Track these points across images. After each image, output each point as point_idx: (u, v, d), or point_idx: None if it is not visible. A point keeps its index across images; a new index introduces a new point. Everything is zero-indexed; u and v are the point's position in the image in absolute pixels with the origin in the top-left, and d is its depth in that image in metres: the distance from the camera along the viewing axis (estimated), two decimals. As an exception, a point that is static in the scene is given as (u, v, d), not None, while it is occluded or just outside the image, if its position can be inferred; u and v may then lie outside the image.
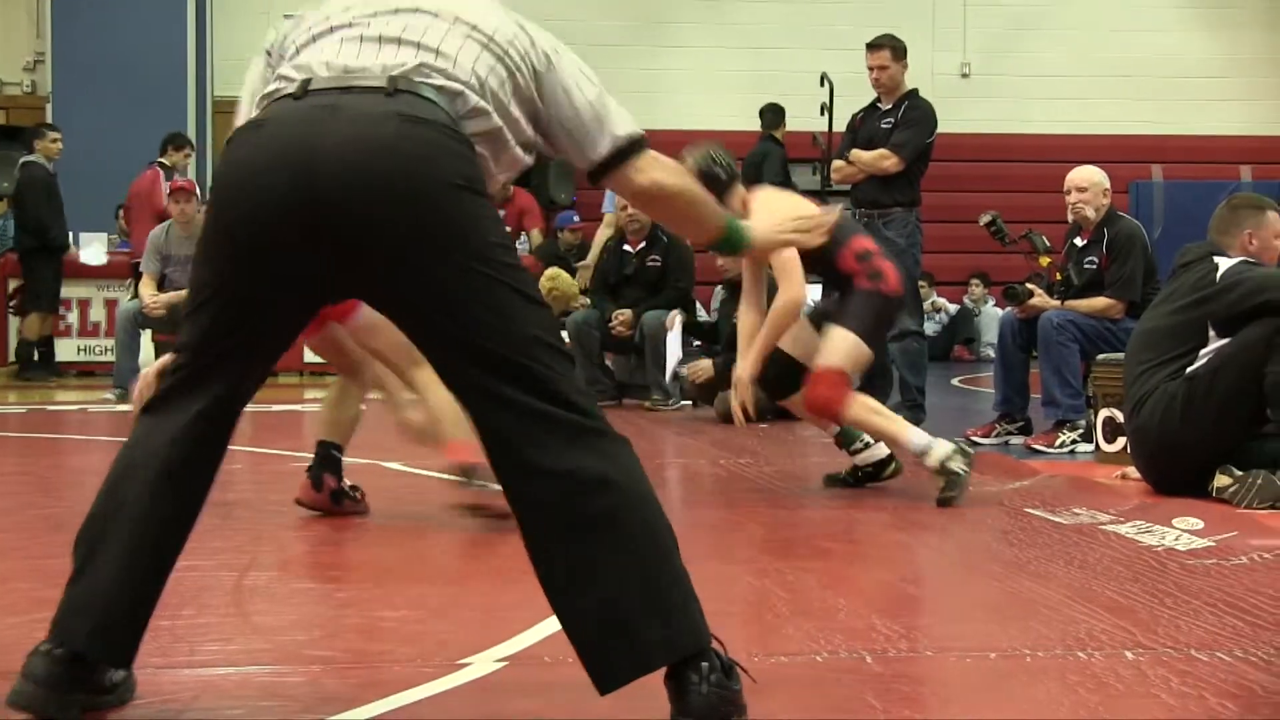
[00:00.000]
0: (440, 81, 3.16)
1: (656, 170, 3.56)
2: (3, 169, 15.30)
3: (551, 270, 12.46)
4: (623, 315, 11.17)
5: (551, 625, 3.93)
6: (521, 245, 14.58)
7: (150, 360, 12.48)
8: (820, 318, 6.97)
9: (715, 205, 3.89)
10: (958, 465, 6.59)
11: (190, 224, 11.98)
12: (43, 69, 17.13)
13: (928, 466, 6.64)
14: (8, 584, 5.27)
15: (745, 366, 6.84)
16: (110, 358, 13.31)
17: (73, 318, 15.02)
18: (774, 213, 6.25)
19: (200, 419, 3.25)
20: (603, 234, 12.99)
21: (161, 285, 11.80)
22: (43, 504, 7.15)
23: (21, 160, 13.93)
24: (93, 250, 14.31)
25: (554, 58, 3.40)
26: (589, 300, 12.03)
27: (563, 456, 3.04)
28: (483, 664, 3.78)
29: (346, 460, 6.44)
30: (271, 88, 3.24)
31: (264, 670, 3.88)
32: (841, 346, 6.68)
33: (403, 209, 3.00)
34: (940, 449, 6.61)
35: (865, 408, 6.78)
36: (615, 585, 3.03)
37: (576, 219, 14.95)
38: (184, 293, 11.44)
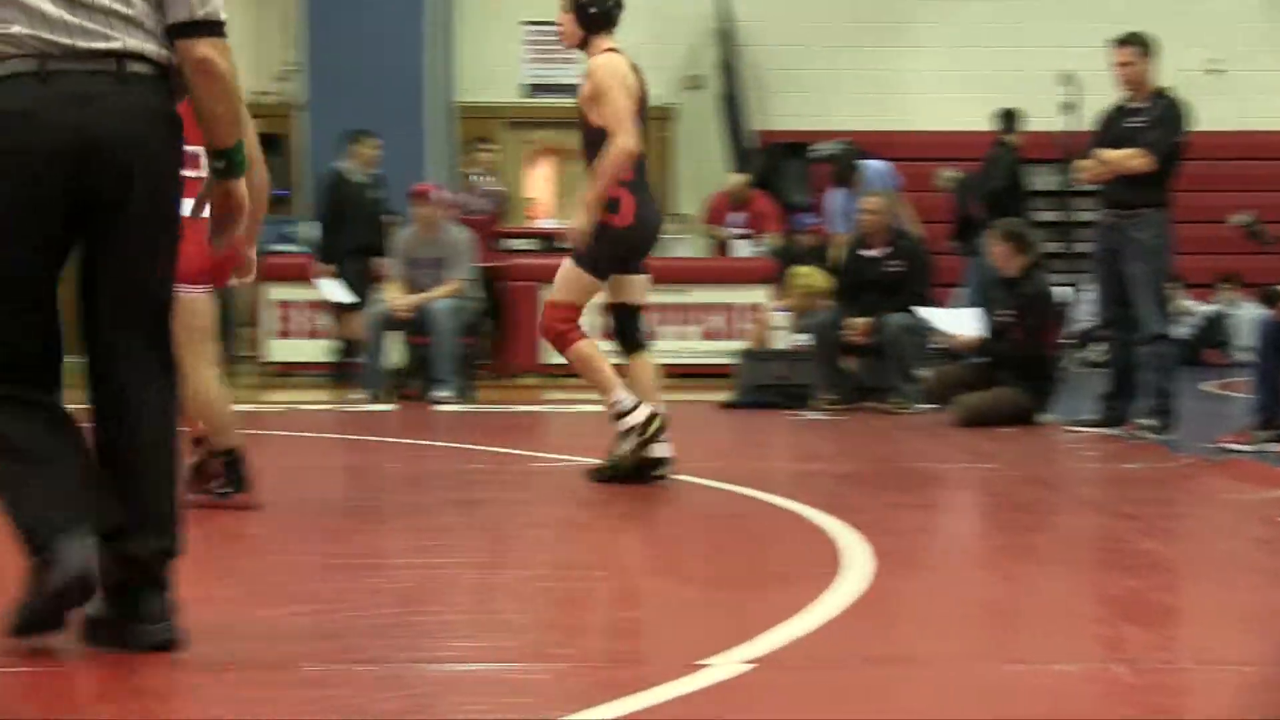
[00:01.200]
0: None
1: (219, 53, 3.78)
2: None
3: (805, 268, 12.43)
4: (859, 324, 11.03)
5: (797, 628, 3.95)
6: (760, 248, 14.67)
7: (397, 363, 12.98)
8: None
9: (243, 120, 4.16)
10: (631, 430, 7.10)
11: (432, 227, 12.14)
12: (294, 78, 17.44)
13: (616, 427, 7.15)
14: (256, 576, 5.44)
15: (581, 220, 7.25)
16: (360, 359, 13.23)
17: (323, 320, 14.88)
18: (603, 67, 7.26)
19: None
20: (842, 238, 12.92)
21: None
22: (293, 499, 7.23)
23: (332, 168, 13.82)
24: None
25: None
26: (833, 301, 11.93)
27: None
28: (727, 666, 3.73)
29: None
30: None
31: (508, 668, 3.90)
32: (562, 277, 7.26)
33: None
34: (638, 415, 7.13)
35: (586, 351, 7.28)
36: None
37: (814, 221, 14.76)
38: (429, 294, 11.64)
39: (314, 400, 13.09)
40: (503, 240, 14.79)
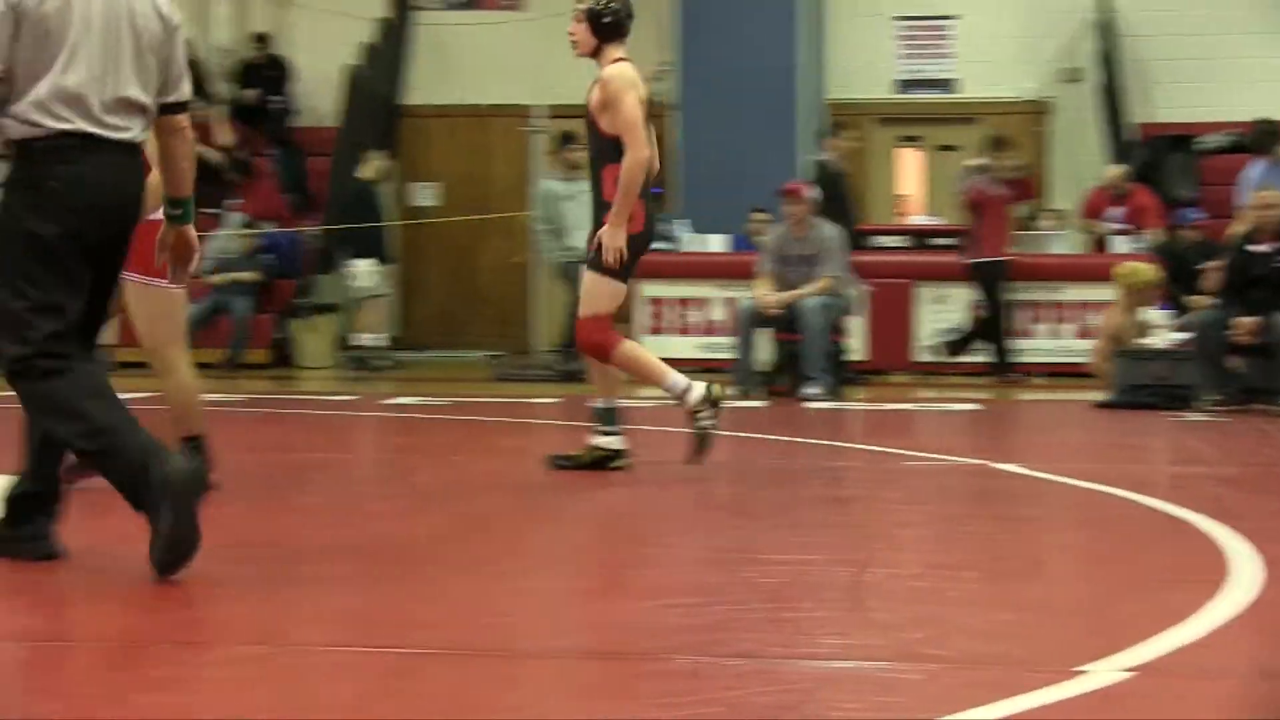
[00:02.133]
0: None
1: (188, 124, 5.12)
2: None
3: (1129, 265, 12.26)
4: (1247, 324, 10.72)
5: (1180, 637, 3.88)
6: (1139, 243, 14.26)
7: (768, 360, 13.05)
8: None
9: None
10: (705, 420, 7.48)
11: (803, 224, 12.20)
12: (667, 79, 17.40)
13: (685, 409, 7.50)
14: (630, 569, 5.61)
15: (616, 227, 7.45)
16: (731, 355, 13.41)
17: (695, 316, 15.24)
18: (616, 78, 7.45)
19: None
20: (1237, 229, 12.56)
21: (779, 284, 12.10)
22: (668, 493, 7.44)
23: (815, 159, 14.27)
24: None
25: None
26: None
27: None
28: (1106, 673, 3.63)
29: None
30: None
31: (880, 666, 3.86)
32: (589, 292, 7.60)
33: None
34: (695, 394, 7.48)
35: (630, 351, 7.69)
36: None
37: (1198, 216, 14.36)
38: (799, 291, 11.72)
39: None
40: (872, 237, 14.78)
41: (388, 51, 17.94)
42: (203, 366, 14.37)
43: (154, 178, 5.47)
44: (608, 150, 7.63)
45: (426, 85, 18.31)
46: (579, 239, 14.14)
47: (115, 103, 4.98)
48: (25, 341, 4.89)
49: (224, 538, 6.24)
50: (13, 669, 4.39)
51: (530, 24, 17.72)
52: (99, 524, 6.12)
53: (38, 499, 5.39)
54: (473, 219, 17.07)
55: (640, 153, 7.47)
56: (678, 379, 7.64)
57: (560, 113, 16.21)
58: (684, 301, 14.87)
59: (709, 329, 14.81)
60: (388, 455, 10.16)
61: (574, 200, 14.06)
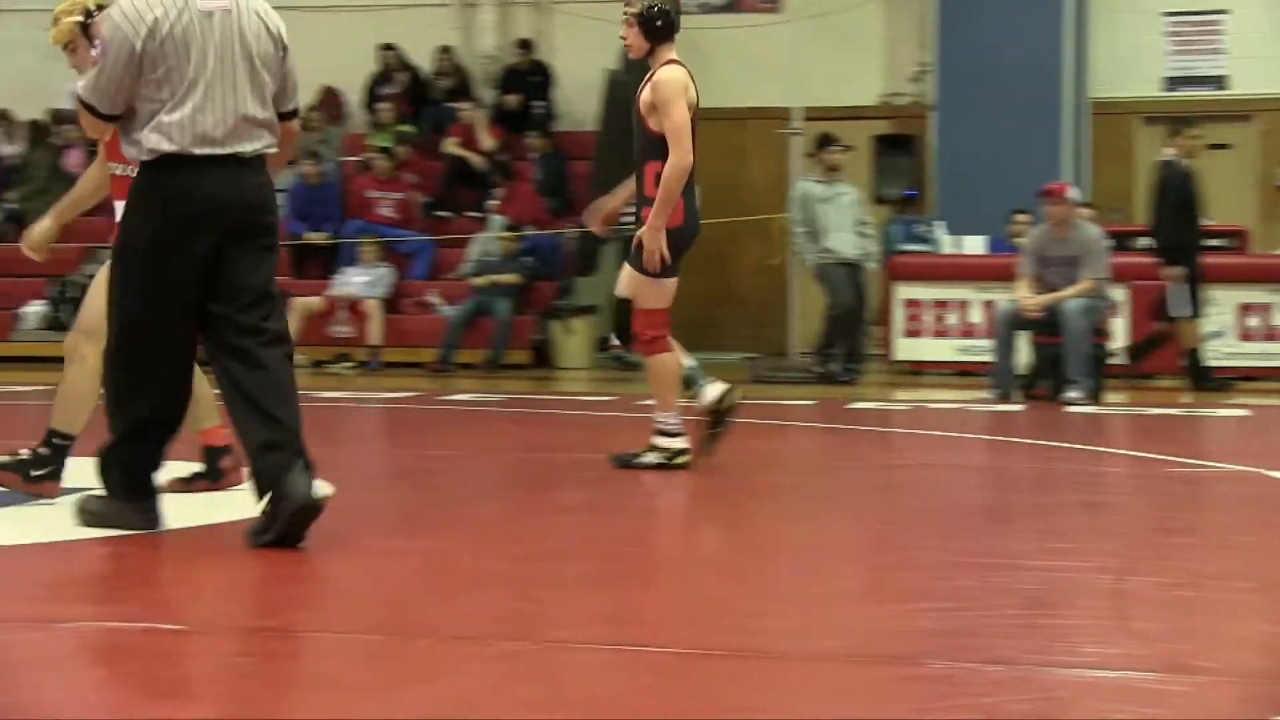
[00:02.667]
0: None
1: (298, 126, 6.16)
2: (893, 177, 16.37)
3: None
4: None
5: None
6: None
7: (1027, 363, 12.79)
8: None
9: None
10: (650, 457, 7.75)
11: (1064, 226, 12.08)
12: (927, 79, 17.59)
13: (653, 439, 7.79)
14: (884, 572, 5.60)
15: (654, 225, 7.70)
16: (989, 358, 13.33)
17: (952, 319, 15.12)
18: (669, 83, 7.66)
19: None
20: None
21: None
22: (921, 496, 7.50)
23: (1162, 159, 13.92)
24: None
25: None
26: None
27: None
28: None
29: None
30: None
31: (1145, 676, 3.77)
32: (641, 289, 7.76)
33: None
34: (673, 444, 7.80)
35: (669, 365, 7.88)
36: None
37: None
38: (1061, 294, 11.52)
39: (941, 399, 13.29)
40: (1138, 239, 14.40)
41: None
42: (464, 367, 14.67)
43: None
44: (652, 148, 7.84)
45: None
46: (836, 241, 14.46)
47: (236, 122, 5.62)
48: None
49: (478, 536, 6.56)
50: (279, 660, 4.50)
51: (787, 26, 17.72)
52: (354, 526, 6.36)
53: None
54: (730, 221, 16.75)
55: (685, 158, 7.73)
56: (676, 423, 7.92)
57: (817, 115, 16.61)
58: (941, 304, 14.82)
59: (966, 332, 14.78)
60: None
61: (831, 202, 14.44)
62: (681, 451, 7.95)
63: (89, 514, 6.13)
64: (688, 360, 8.34)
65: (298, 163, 16.79)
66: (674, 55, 8.02)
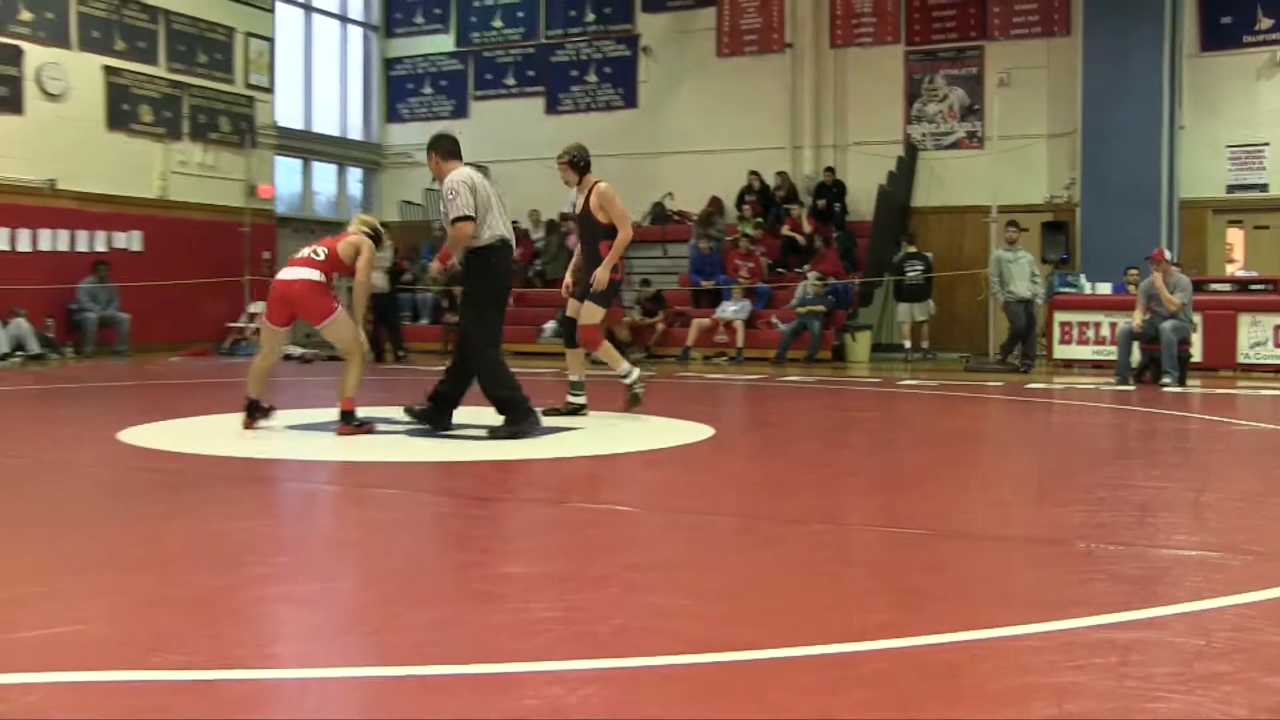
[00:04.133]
0: None
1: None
2: (1053, 247, 16.89)
3: None
4: None
5: None
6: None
7: (1137, 361, 12.82)
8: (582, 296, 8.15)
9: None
10: (637, 390, 8.08)
11: (1164, 275, 12.40)
12: (1075, 187, 17.53)
13: (624, 384, 8.04)
14: (1048, 486, 5.94)
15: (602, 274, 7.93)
16: (1113, 357, 13.29)
17: (1090, 333, 14.97)
18: (607, 190, 8.03)
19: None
20: None
21: None
22: None
23: None
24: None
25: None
26: None
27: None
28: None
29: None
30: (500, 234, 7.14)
31: (1212, 555, 3.82)
32: (588, 311, 8.06)
33: None
34: (633, 376, 8.13)
35: (607, 347, 8.21)
36: None
37: None
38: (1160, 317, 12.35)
39: (1083, 383, 12.82)
40: (1212, 284, 14.68)
41: (903, 175, 18.62)
42: (792, 361, 15.61)
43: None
44: (602, 233, 8.06)
45: (925, 195, 19.03)
46: (1017, 286, 14.68)
47: (506, 222, 7.10)
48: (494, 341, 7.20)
49: (801, 462, 6.84)
50: (675, 530, 5.03)
51: (989, 156, 17.96)
52: (724, 455, 6.87)
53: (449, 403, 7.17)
54: (952, 274, 17.50)
55: (628, 232, 8.06)
56: (628, 369, 8.28)
57: (1005, 209, 16.77)
58: (1083, 325, 15.13)
59: (1099, 341, 15.03)
60: (894, 413, 9.73)
61: (1014, 262, 14.84)
62: (634, 375, 8.22)
63: (511, 434, 6.96)
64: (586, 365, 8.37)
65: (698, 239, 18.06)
66: (597, 179, 8.24)
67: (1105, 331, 15.07)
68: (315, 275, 7.31)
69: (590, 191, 8.06)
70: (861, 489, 5.64)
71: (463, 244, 7.08)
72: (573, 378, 8.28)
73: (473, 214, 6.94)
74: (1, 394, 11.06)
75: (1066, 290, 15.69)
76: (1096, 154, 17.14)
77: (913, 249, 17.16)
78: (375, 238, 7.55)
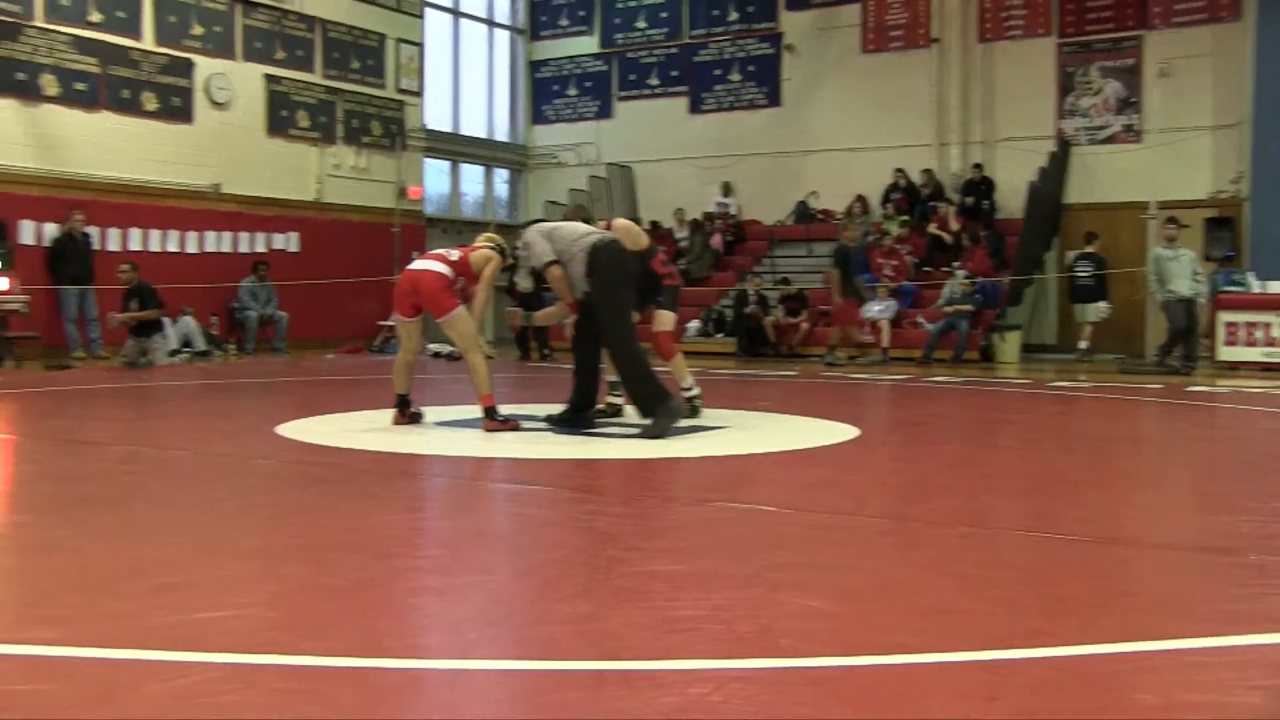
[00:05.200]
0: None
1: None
2: (1218, 244, 16.47)
3: None
4: None
5: None
6: None
7: None
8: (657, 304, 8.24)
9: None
10: (698, 403, 8.04)
11: None
12: (1243, 181, 17.28)
13: (683, 397, 7.88)
14: (1212, 494, 5.63)
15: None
16: None
17: (1259, 334, 14.67)
18: (627, 231, 8.05)
19: None
20: None
21: None
22: None
23: None
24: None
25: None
26: None
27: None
28: None
29: None
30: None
31: None
32: (664, 319, 8.21)
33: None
34: (696, 391, 8.14)
35: (679, 358, 8.25)
36: None
37: None
38: None
39: (1250, 386, 12.55)
40: None
41: (1054, 171, 18.34)
42: (938, 361, 15.49)
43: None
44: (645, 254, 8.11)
45: (1078, 191, 18.75)
46: (1177, 285, 14.39)
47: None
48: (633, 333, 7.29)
49: (946, 463, 6.55)
50: (830, 530, 4.99)
51: (1146, 149, 17.95)
52: (867, 454, 6.84)
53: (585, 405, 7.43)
54: (1105, 272, 16.67)
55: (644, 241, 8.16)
56: (691, 380, 8.31)
57: (1165, 205, 16.61)
58: (1251, 325, 14.78)
59: (1270, 342, 14.72)
60: (1044, 415, 9.60)
61: (1175, 261, 14.54)
62: (696, 398, 8.23)
63: (658, 430, 7.01)
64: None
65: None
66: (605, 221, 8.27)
67: (1276, 332, 14.81)
68: (445, 270, 7.58)
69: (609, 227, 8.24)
70: (1011, 491, 5.56)
71: (563, 287, 7.55)
72: (682, 384, 8.38)
73: (553, 257, 7.36)
74: (169, 389, 11.56)
75: (1232, 289, 15.33)
76: (1269, 145, 16.61)
77: (1090, 249, 16.72)
78: (501, 254, 7.86)
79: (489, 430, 7.38)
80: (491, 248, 7.83)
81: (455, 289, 7.61)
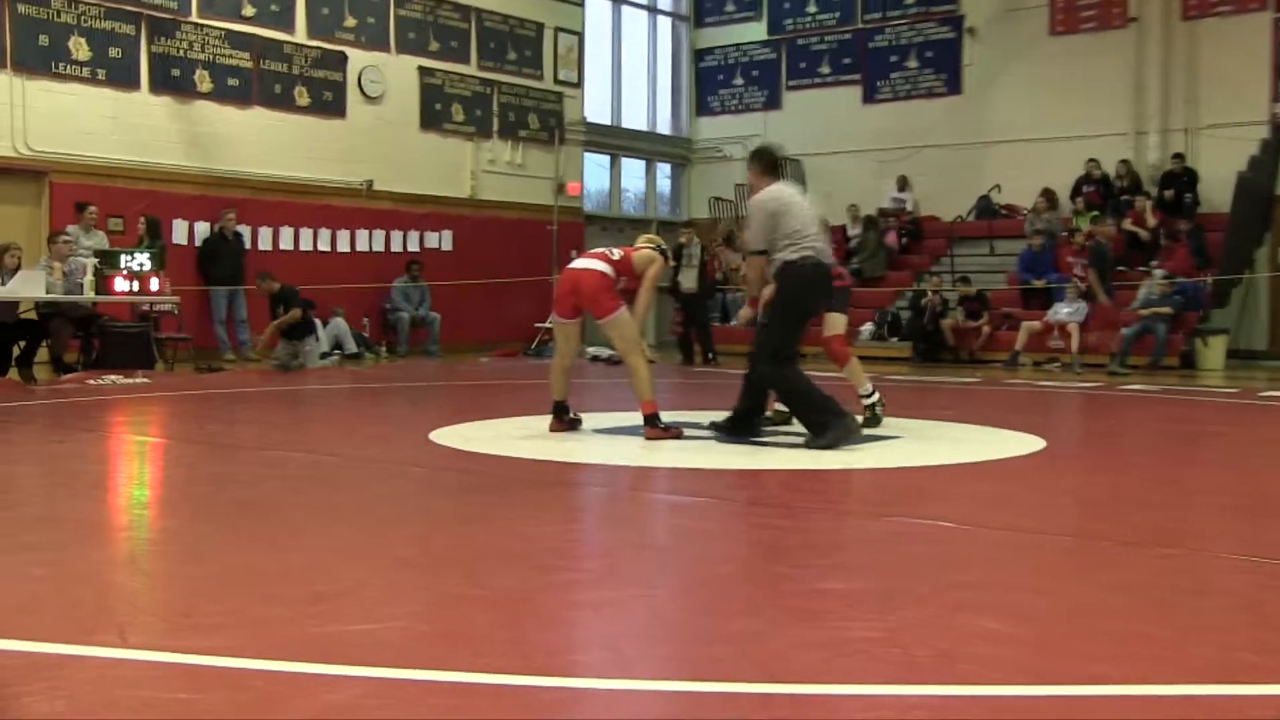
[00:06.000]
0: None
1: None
2: None
3: None
4: None
5: None
6: None
7: None
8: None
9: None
10: (878, 410, 7.93)
11: None
12: None
13: (862, 403, 7.86)
14: None
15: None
16: None
17: None
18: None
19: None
20: None
21: None
22: None
23: None
24: None
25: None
26: None
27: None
28: None
29: None
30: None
31: None
32: (834, 322, 8.22)
33: None
34: (876, 396, 8.05)
35: (854, 362, 8.21)
36: None
37: None
38: None
39: None
40: None
41: (1267, 161, 17.82)
42: (1133, 368, 15.26)
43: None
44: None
45: None
46: None
47: (824, 241, 7.11)
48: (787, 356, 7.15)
49: (1141, 477, 6.51)
50: (1004, 549, 4.96)
51: None
52: (1059, 468, 6.79)
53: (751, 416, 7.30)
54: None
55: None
56: (870, 387, 8.25)
57: None
58: None
59: None
60: (1252, 427, 9.28)
61: None
62: (876, 404, 8.16)
63: (827, 444, 6.90)
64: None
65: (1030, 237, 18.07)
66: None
67: None
68: (607, 270, 7.69)
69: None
70: (1214, 510, 5.41)
71: (758, 278, 7.35)
72: (861, 390, 8.37)
73: (763, 248, 7.10)
74: (320, 393, 11.94)
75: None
76: None
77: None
78: (664, 255, 7.93)
79: (650, 438, 7.45)
80: (653, 248, 7.90)
81: (617, 289, 7.69)
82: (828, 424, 6.90)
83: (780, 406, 8.13)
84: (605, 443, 7.52)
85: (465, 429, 8.07)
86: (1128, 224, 18.23)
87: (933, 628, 3.22)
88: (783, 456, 6.86)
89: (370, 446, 7.40)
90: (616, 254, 7.82)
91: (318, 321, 15.84)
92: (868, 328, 18.13)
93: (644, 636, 3.20)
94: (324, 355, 15.79)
